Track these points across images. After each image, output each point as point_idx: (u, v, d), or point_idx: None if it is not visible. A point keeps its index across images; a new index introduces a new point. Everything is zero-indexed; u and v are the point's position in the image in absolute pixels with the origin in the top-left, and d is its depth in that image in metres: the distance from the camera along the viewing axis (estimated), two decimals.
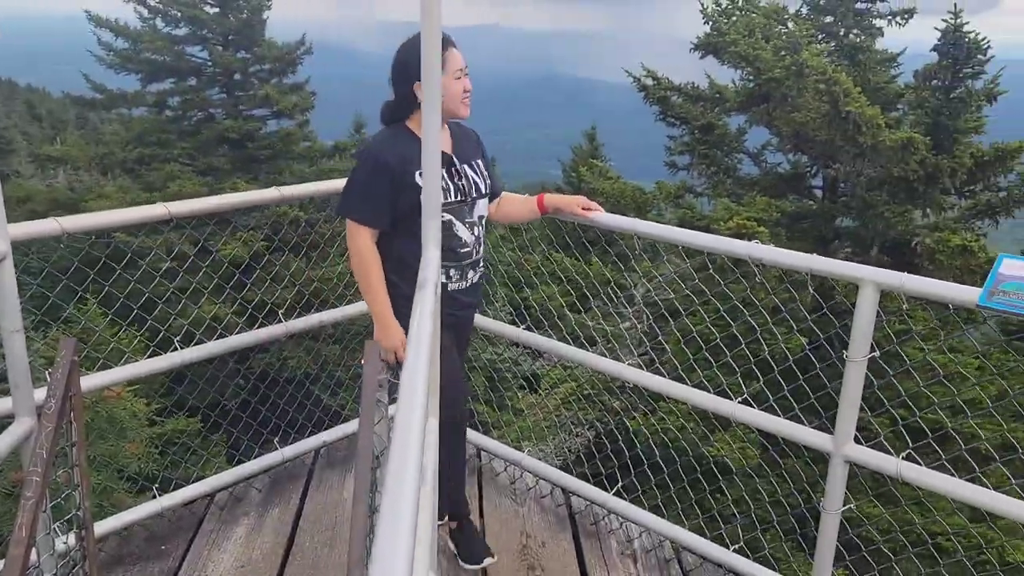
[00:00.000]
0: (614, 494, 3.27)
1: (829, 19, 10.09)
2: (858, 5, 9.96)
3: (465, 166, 2.71)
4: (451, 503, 2.99)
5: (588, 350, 3.40)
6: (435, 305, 1.76)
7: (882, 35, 9.97)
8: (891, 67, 10.11)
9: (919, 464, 2.45)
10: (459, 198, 2.66)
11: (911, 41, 10.06)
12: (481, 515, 3.32)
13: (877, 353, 2.51)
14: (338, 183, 3.45)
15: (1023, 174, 8.40)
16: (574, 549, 3.14)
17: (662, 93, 10.40)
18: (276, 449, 3.44)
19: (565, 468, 3.65)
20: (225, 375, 9.17)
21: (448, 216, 2.60)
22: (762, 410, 2.77)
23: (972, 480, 2.44)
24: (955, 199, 8.85)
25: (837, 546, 2.70)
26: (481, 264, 2.79)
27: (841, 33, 9.96)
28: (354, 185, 2.60)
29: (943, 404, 6.85)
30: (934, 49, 8.82)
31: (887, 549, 4.33)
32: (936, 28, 8.71)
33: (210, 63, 16.17)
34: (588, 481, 3.41)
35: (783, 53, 8.34)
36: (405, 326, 2.54)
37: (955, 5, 8.55)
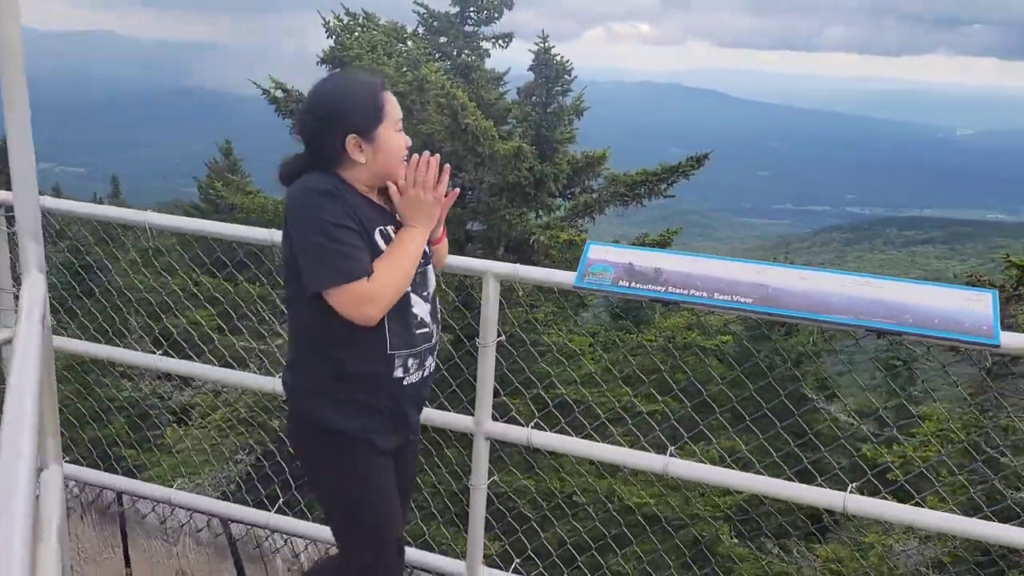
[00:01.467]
0: (276, 511, 3.20)
1: (443, 39, 10.95)
2: (467, 28, 10.97)
3: None
4: None
5: (237, 369, 3.28)
6: (42, 338, 1.59)
7: (489, 56, 11.12)
8: (499, 85, 11.32)
9: (546, 431, 2.82)
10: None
11: (513, 62, 11.37)
12: (128, 564, 3.03)
13: (503, 338, 2.82)
14: None
15: (608, 178, 10.04)
16: None
17: (293, 105, 10.36)
18: None
19: (224, 497, 3.48)
20: None
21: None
22: None
23: (588, 438, 2.88)
24: (561, 200, 10.22)
25: (487, 518, 2.98)
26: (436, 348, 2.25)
27: (455, 53, 10.88)
28: (320, 248, 1.89)
29: (567, 379, 7.88)
30: (530, 69, 10.16)
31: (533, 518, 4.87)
32: (530, 51, 10.02)
33: None
34: (248, 505, 3.29)
35: (405, 69, 8.86)
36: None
37: (543, 31, 9.96)
